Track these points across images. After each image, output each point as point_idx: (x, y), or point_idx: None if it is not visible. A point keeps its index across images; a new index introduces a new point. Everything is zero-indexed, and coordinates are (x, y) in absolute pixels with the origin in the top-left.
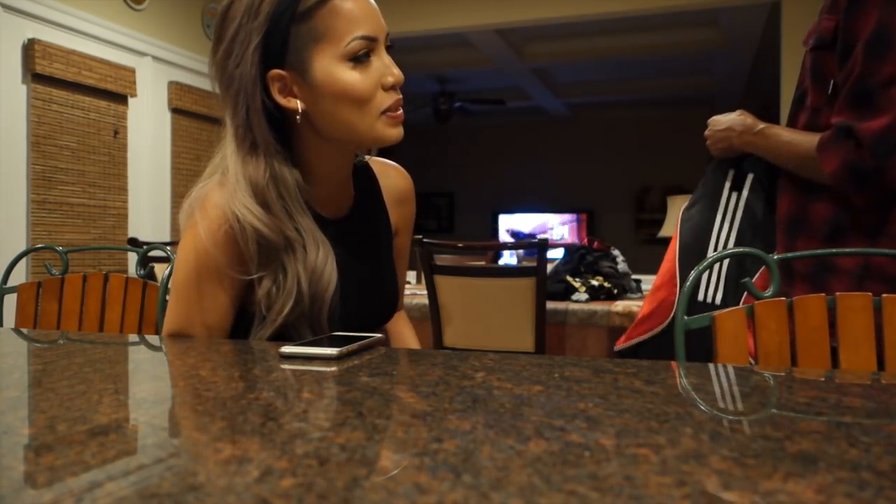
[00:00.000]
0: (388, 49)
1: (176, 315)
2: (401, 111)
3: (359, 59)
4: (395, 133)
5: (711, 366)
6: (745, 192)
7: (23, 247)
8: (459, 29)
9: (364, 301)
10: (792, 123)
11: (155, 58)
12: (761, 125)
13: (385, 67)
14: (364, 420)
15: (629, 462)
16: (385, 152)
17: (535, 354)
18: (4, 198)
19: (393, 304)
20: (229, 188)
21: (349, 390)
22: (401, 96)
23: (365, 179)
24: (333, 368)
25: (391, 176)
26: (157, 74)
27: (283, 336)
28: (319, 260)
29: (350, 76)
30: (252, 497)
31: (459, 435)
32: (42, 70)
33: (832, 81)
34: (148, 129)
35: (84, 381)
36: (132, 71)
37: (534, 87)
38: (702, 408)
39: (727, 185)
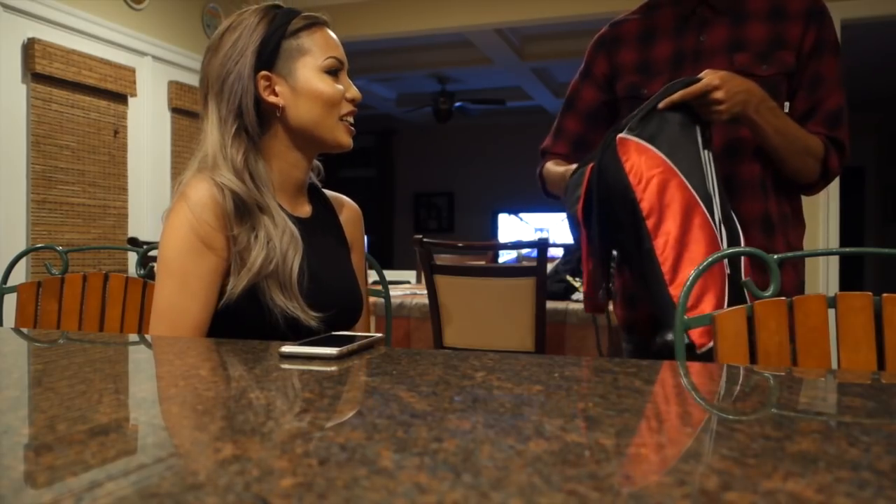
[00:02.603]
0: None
1: (168, 290)
2: (353, 125)
3: (331, 72)
4: (349, 141)
5: (711, 366)
6: (710, 152)
7: (23, 247)
8: (459, 29)
9: (330, 288)
10: (733, 135)
11: (155, 58)
12: (769, 100)
13: (349, 85)
14: (364, 420)
15: (629, 462)
16: (384, 155)
17: (535, 354)
18: (4, 198)
19: (358, 304)
20: (208, 170)
21: (349, 390)
22: (356, 111)
23: (320, 199)
24: (333, 368)
25: (342, 203)
26: (157, 74)
27: (255, 296)
28: (288, 228)
29: (325, 83)
30: (252, 497)
31: (459, 435)
32: (42, 70)
33: (786, 103)
34: (148, 129)
35: (84, 381)
36: (132, 71)
37: (534, 87)
38: (702, 408)
39: (699, 140)
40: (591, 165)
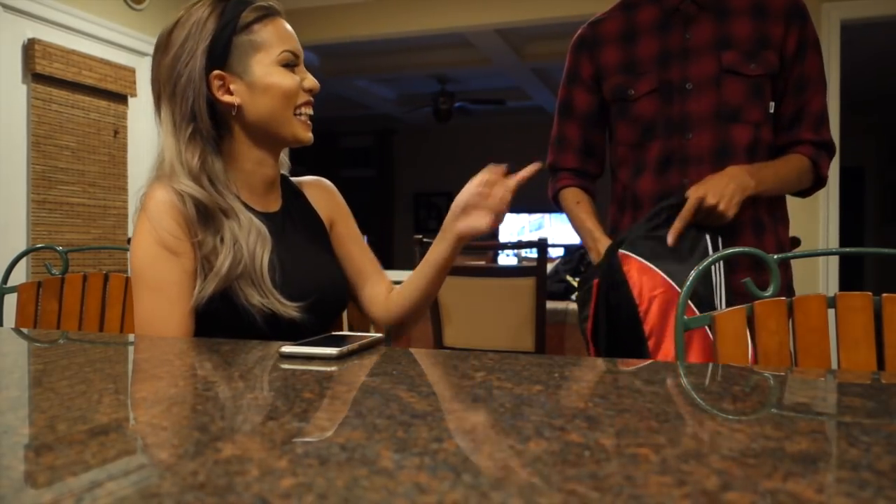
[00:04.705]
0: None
1: (146, 301)
2: (310, 118)
3: (287, 65)
4: (308, 136)
5: (711, 366)
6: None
7: (23, 247)
8: (459, 29)
9: (305, 275)
10: (723, 136)
11: None
12: (752, 167)
13: (305, 75)
14: (364, 420)
15: (629, 462)
16: (384, 155)
17: (535, 354)
18: (4, 198)
19: (343, 289)
20: (166, 177)
21: (349, 390)
22: (313, 101)
23: (290, 189)
24: (333, 368)
25: (310, 183)
26: None
27: (228, 299)
28: (254, 226)
29: (282, 76)
30: (252, 497)
31: (459, 435)
32: (42, 70)
33: (772, 103)
34: (148, 129)
35: (84, 381)
36: (132, 71)
37: (534, 87)
38: (702, 408)
39: (710, 250)
40: (596, 281)
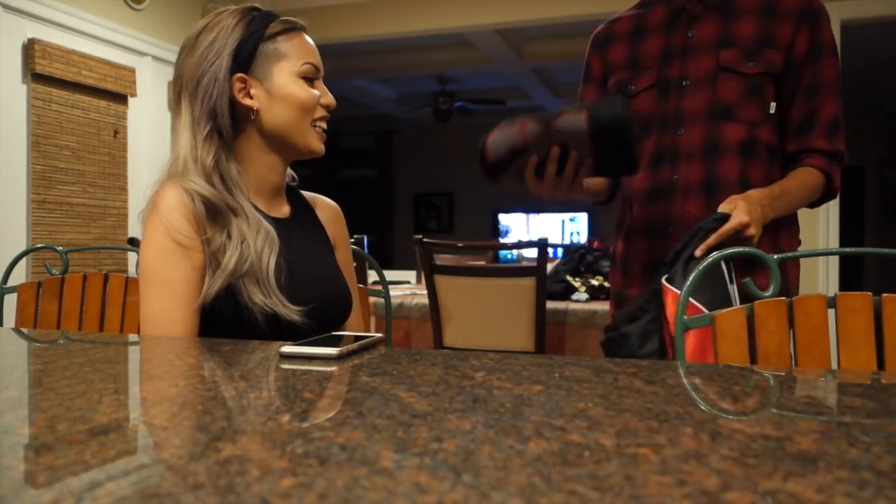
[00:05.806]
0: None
1: (154, 298)
2: (324, 131)
3: (307, 79)
4: (321, 147)
5: (711, 366)
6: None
7: (23, 247)
8: (459, 29)
9: (310, 282)
10: (714, 133)
11: (155, 58)
12: (773, 189)
13: (324, 91)
14: (364, 420)
15: (629, 462)
16: (384, 155)
17: (535, 354)
18: (4, 198)
19: (345, 297)
20: (179, 175)
21: (349, 390)
22: (328, 116)
23: (299, 201)
24: (333, 368)
25: (321, 202)
26: (157, 74)
27: (232, 296)
28: (263, 227)
29: (301, 88)
30: (252, 497)
31: (459, 435)
32: (42, 70)
33: (772, 103)
34: (148, 129)
35: (84, 381)
36: (132, 71)
37: (534, 87)
38: (702, 408)
39: (726, 276)
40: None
